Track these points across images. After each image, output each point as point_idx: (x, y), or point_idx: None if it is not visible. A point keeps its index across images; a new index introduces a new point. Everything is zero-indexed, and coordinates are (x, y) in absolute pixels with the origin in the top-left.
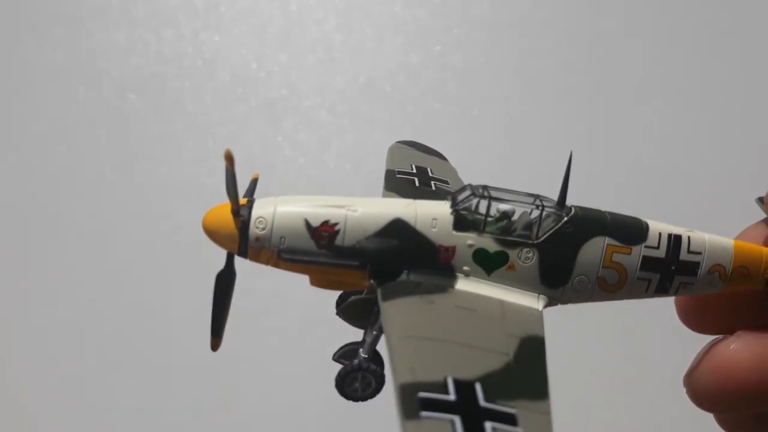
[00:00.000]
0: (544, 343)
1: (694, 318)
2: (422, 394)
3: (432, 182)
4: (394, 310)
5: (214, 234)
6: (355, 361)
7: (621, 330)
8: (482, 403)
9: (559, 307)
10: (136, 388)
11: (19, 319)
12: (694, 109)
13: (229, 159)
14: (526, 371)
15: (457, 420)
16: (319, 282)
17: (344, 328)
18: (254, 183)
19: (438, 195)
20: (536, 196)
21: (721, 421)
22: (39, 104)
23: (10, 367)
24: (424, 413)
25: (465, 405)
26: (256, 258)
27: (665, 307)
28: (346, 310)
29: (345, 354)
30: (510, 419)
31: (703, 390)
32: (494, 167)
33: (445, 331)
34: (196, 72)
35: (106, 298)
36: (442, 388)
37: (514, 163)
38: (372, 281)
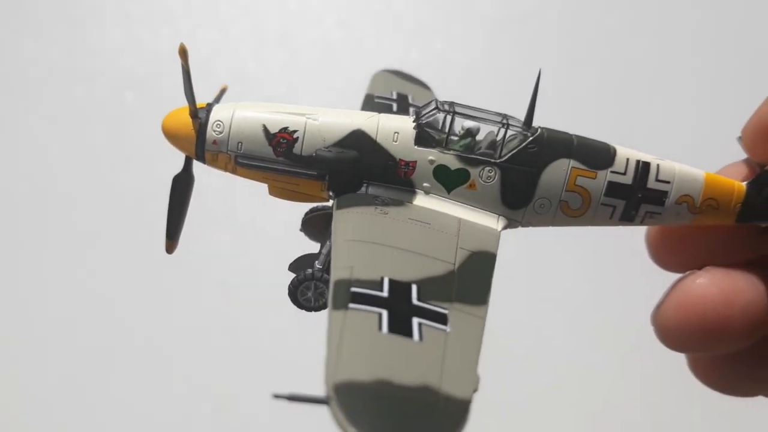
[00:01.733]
0: (494, 259)
1: (664, 254)
2: (355, 289)
3: (411, 109)
4: (345, 217)
5: (172, 136)
6: (309, 271)
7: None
8: (414, 301)
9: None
10: (135, 388)
11: (16, 319)
12: (697, 102)
13: (183, 54)
14: (468, 281)
15: (384, 314)
16: (277, 192)
17: None
18: (222, 93)
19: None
20: (504, 116)
21: (693, 366)
22: (36, 102)
23: (10, 366)
24: (352, 305)
25: (396, 302)
26: (214, 162)
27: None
28: (307, 223)
29: (300, 264)
30: (440, 318)
31: (669, 326)
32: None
33: (393, 238)
34: (194, 70)
35: (103, 298)
36: (377, 285)
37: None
38: (330, 192)
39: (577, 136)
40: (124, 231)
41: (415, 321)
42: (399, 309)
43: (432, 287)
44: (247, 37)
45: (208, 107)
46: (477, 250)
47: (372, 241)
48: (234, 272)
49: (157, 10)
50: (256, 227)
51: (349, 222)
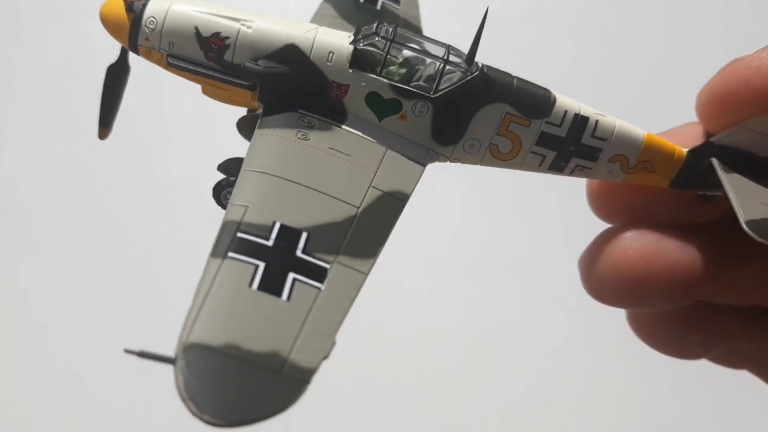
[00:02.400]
0: (405, 201)
1: (603, 205)
2: (240, 234)
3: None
4: (261, 141)
5: (107, 26)
6: (232, 178)
7: None
8: (298, 253)
9: None
10: (134, 388)
11: (15, 319)
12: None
13: None
14: (365, 229)
15: (261, 267)
16: (210, 93)
17: None
18: None
19: (376, 17)
20: (448, 48)
21: (631, 322)
22: (36, 102)
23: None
24: (231, 254)
25: (278, 253)
26: (148, 57)
27: None
28: (243, 122)
29: (229, 166)
30: (318, 274)
31: (590, 274)
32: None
33: (303, 173)
34: None
35: (101, 298)
36: (265, 231)
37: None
38: (259, 103)
39: (519, 79)
40: (124, 230)
41: (290, 277)
42: (278, 261)
43: (323, 236)
44: None
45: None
46: (390, 191)
47: (278, 175)
48: None
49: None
50: None
51: (263, 147)
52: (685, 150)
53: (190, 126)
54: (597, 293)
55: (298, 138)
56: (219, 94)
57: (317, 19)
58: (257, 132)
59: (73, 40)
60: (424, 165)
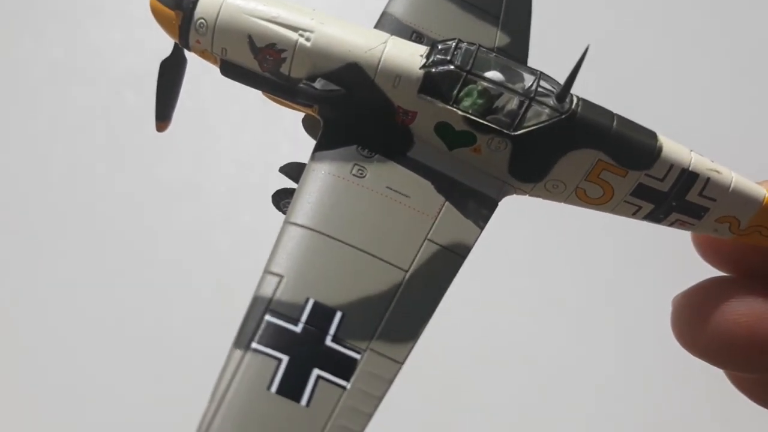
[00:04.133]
0: (465, 256)
1: (708, 252)
2: (269, 318)
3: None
4: (313, 178)
5: (158, 20)
6: (292, 188)
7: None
8: (327, 341)
9: None
10: (134, 389)
11: (16, 319)
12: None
13: None
14: (411, 298)
15: (284, 361)
16: (271, 98)
17: None
18: None
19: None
20: (538, 76)
21: (734, 380)
22: (35, 102)
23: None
24: (255, 345)
25: (305, 343)
26: (203, 57)
27: None
28: (307, 122)
29: (291, 170)
30: (345, 368)
31: (688, 327)
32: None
33: (351, 225)
34: (193, 69)
35: (100, 298)
36: (297, 312)
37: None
38: (320, 117)
39: (620, 121)
40: (123, 230)
41: (314, 374)
42: (304, 355)
43: (360, 314)
44: None
45: None
46: (449, 244)
47: (323, 232)
48: (233, 273)
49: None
50: (257, 231)
51: (312, 190)
52: None
53: (190, 126)
54: (692, 349)
55: (353, 176)
56: (279, 101)
57: None
58: (310, 165)
59: (74, 41)
60: (498, 199)
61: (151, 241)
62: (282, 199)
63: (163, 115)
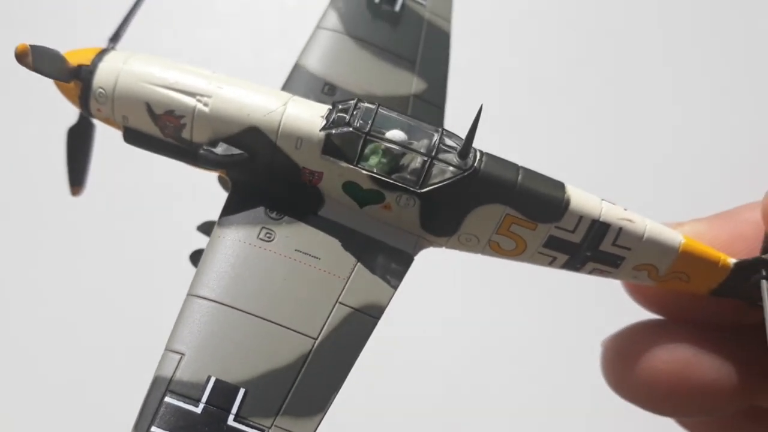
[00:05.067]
0: (378, 318)
1: (636, 294)
2: (168, 399)
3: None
4: (218, 247)
5: (59, 88)
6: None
7: None
8: (230, 421)
9: None
10: (133, 389)
11: (15, 318)
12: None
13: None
14: (319, 368)
15: None
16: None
17: None
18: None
19: (393, 25)
20: (441, 134)
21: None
22: (33, 103)
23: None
24: (154, 429)
25: (207, 423)
26: (107, 123)
27: None
28: (223, 182)
29: (209, 228)
30: None
31: (617, 372)
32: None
33: (257, 293)
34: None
35: (99, 299)
36: (197, 391)
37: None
38: (228, 179)
39: (526, 175)
40: (122, 230)
41: None
42: None
43: (264, 390)
44: (246, 36)
45: (94, 64)
46: (362, 306)
47: (227, 304)
48: None
49: (156, 10)
50: None
51: (217, 259)
52: (731, 261)
53: None
54: (620, 392)
55: (261, 239)
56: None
57: (317, 35)
58: (215, 232)
59: (70, 40)
60: (413, 254)
61: (151, 239)
62: (199, 259)
63: (76, 181)
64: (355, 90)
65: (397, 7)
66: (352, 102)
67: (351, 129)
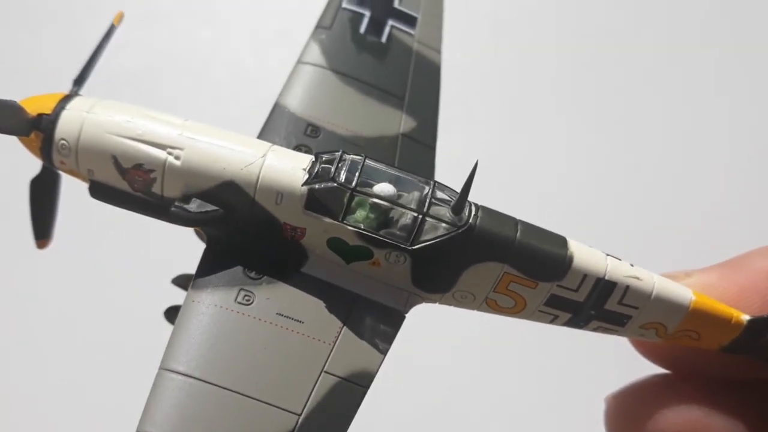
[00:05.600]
0: (368, 387)
1: (643, 349)
2: None
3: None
4: (192, 313)
5: (22, 143)
6: None
7: None
8: None
9: None
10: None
11: (16, 318)
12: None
13: None
14: None
15: None
16: None
17: None
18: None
19: (380, 57)
20: (432, 187)
21: None
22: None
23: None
24: None
25: None
26: (72, 175)
27: None
28: (181, 282)
29: (184, 282)
30: None
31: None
32: (496, 164)
33: (235, 365)
34: (192, 69)
35: (98, 300)
36: None
37: (517, 160)
38: (204, 235)
39: (525, 230)
40: (120, 230)
41: None
42: None
43: None
44: (245, 36)
45: (56, 113)
46: (349, 374)
47: (202, 379)
48: None
49: (155, 10)
50: None
51: (191, 327)
52: (744, 318)
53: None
54: None
55: (239, 303)
56: None
57: (299, 71)
58: (189, 295)
59: (68, 39)
60: (404, 311)
61: (150, 239)
62: (175, 317)
63: (42, 234)
64: (341, 131)
65: (384, 38)
66: (337, 154)
67: (336, 184)
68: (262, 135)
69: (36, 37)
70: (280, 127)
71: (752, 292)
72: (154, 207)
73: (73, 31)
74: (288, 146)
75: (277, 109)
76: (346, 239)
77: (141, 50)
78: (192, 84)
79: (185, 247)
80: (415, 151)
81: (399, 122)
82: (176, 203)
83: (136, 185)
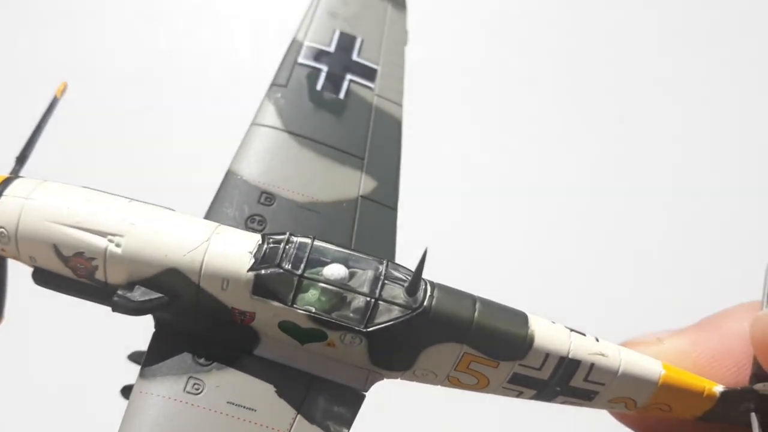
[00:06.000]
0: None
1: (619, 416)
2: None
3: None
4: (139, 406)
5: None
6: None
7: None
8: None
9: None
10: None
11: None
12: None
13: None
14: None
15: None
16: None
17: None
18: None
19: (337, 114)
20: (386, 266)
21: None
22: (33, 101)
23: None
24: None
25: None
26: (16, 260)
27: None
28: (136, 358)
29: (140, 357)
30: None
31: None
32: (495, 164)
33: None
34: (191, 69)
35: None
36: None
37: (516, 160)
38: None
39: (483, 310)
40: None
41: None
42: None
43: None
44: (245, 35)
45: None
46: None
47: None
48: None
49: (155, 10)
50: None
51: (139, 424)
52: (717, 390)
53: (186, 124)
54: None
55: (188, 393)
56: None
57: (253, 134)
58: (137, 386)
59: (69, 39)
60: (364, 391)
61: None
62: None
63: None
64: (297, 197)
65: (342, 94)
66: (284, 237)
67: (282, 270)
68: (215, 204)
69: (35, 37)
70: (232, 195)
71: (727, 358)
72: (100, 293)
73: (71, 30)
74: (241, 216)
75: (229, 176)
76: (297, 322)
77: (141, 50)
78: (192, 84)
79: None
80: (376, 213)
81: (358, 184)
82: (119, 292)
83: (79, 272)
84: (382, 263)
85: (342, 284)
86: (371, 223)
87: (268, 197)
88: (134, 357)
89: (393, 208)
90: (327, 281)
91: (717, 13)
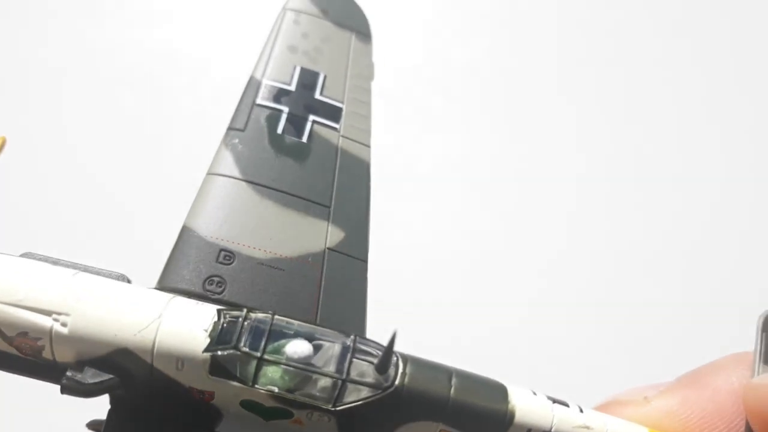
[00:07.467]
0: None
1: None
2: None
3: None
4: None
5: None
6: None
7: None
8: None
9: None
10: None
11: None
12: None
13: None
14: None
15: None
16: None
17: None
18: None
19: (299, 159)
20: (353, 341)
21: None
22: (32, 101)
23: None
24: None
25: None
26: None
27: None
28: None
29: (99, 425)
30: None
31: None
32: (495, 164)
33: None
34: (191, 69)
35: None
36: None
37: (516, 159)
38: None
39: (459, 385)
40: (118, 230)
41: None
42: None
43: None
44: (245, 36)
45: None
46: None
47: None
48: None
49: (155, 10)
50: None
51: None
52: None
53: (185, 124)
54: None
55: None
56: None
57: (209, 184)
58: None
59: (68, 39)
60: None
61: (149, 239)
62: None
63: None
64: (258, 254)
65: (305, 137)
66: (241, 314)
67: (239, 352)
68: (170, 264)
69: (34, 38)
70: (188, 255)
71: (717, 417)
72: (50, 372)
73: (71, 30)
74: (198, 278)
75: (184, 233)
76: (260, 401)
77: (141, 50)
78: (192, 84)
79: None
80: (345, 267)
81: (325, 235)
82: (68, 374)
83: (25, 350)
84: (349, 337)
85: (306, 364)
86: (340, 277)
87: (227, 255)
88: (93, 425)
89: (363, 260)
90: (290, 361)
91: (717, 13)
